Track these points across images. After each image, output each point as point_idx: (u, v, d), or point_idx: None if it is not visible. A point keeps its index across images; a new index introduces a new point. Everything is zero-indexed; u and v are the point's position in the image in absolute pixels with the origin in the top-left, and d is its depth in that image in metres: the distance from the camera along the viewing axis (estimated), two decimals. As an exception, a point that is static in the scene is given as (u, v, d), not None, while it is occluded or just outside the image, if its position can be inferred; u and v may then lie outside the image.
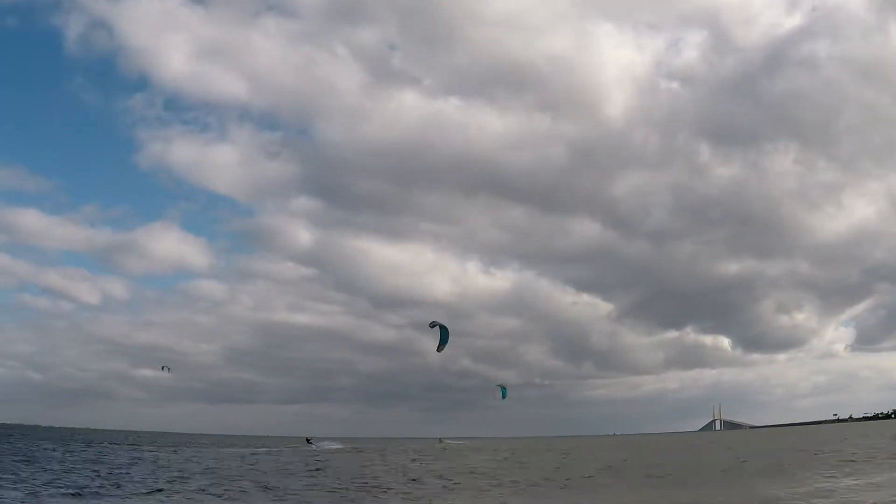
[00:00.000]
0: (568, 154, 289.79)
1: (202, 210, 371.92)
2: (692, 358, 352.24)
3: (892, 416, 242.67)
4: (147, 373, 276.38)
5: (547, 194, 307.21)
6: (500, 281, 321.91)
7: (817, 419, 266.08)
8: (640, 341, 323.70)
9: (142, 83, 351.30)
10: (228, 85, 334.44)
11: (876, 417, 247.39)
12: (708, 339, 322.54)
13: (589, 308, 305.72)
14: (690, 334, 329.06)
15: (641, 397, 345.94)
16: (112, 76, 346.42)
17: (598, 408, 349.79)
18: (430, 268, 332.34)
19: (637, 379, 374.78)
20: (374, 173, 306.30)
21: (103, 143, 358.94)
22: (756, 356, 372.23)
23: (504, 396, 51.64)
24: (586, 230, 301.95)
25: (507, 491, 28.74)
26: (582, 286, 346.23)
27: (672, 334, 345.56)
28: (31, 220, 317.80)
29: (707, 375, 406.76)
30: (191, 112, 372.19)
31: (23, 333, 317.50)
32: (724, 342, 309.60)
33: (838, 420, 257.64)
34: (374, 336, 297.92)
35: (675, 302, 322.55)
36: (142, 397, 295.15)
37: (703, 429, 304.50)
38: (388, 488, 29.52)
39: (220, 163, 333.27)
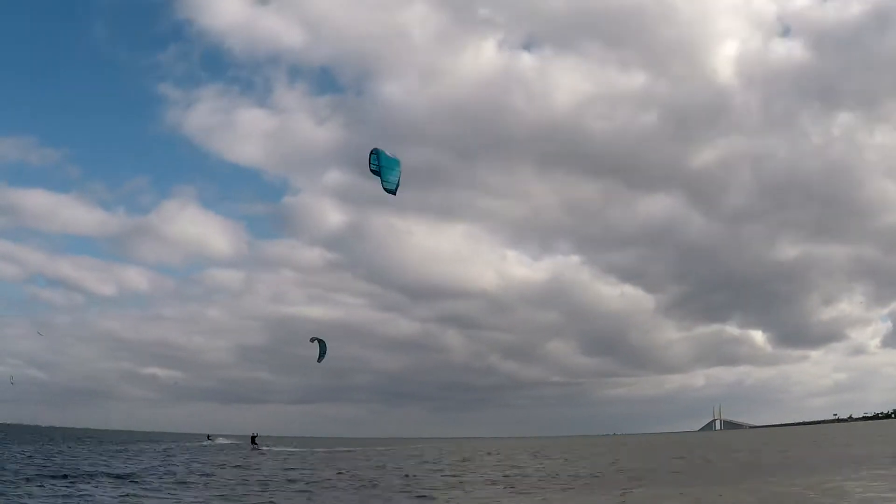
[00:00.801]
0: (659, 119, 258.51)
1: (227, 186, 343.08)
2: (724, 354, 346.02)
3: (893, 416, 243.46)
4: (156, 371, 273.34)
5: (626, 167, 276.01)
6: (542, 271, 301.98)
7: (817, 419, 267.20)
8: (674, 336, 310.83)
9: (176, 32, 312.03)
10: (281, 34, 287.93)
11: (876, 417, 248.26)
12: (745, 334, 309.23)
13: (630, 300, 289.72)
14: (729, 329, 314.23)
15: (657, 397, 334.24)
16: (141, 22, 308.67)
17: (608, 407, 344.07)
18: (474, 253, 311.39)
19: (661, 378, 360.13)
20: (434, 140, 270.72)
21: (122, 105, 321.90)
22: (790, 352, 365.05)
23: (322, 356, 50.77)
24: (656, 207, 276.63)
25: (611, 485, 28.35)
26: (627, 276, 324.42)
27: (711, 328, 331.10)
28: (36, 200, 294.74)
29: (731, 373, 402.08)
30: (232, 69, 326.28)
31: (24, 328, 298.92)
32: (760, 337, 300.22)
33: (838, 420, 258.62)
34: (398, 331, 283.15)
35: (723, 293, 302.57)
36: (149, 397, 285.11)
37: (702, 429, 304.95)
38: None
39: (256, 130, 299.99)
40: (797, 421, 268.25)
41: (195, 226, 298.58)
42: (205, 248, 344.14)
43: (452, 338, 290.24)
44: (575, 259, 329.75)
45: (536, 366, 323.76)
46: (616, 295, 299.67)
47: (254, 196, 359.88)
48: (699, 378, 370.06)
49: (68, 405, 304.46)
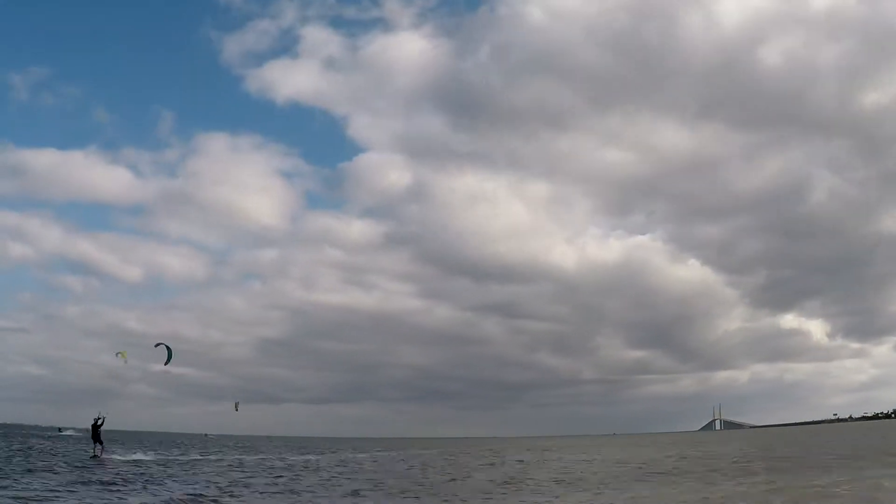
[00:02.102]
0: (853, 39, 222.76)
1: (275, 131, 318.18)
2: (785, 348, 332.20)
3: (893, 416, 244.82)
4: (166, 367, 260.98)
5: (789, 108, 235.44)
6: (616, 250, 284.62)
7: (816, 419, 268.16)
8: (731, 327, 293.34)
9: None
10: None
11: (876, 417, 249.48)
12: (806, 324, 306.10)
13: (702, 285, 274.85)
14: (795, 320, 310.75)
15: (691, 395, 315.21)
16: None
17: (630, 406, 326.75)
18: (549, 224, 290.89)
19: (704, 374, 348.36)
20: (565, 72, 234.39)
21: (156, 35, 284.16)
22: (856, 345, 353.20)
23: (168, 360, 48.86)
24: (794, 162, 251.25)
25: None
26: (709, 255, 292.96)
27: (781, 319, 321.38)
28: (46, 161, 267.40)
29: (775, 369, 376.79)
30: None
31: (26, 320, 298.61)
32: (824, 329, 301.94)
33: (838, 420, 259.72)
34: (436, 321, 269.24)
35: (810, 277, 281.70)
36: (159, 395, 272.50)
37: (702, 429, 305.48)
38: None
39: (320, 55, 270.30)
40: (797, 421, 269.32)
41: (236, 194, 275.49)
42: (241, 226, 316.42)
43: (494, 328, 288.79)
44: (658, 234, 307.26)
45: (579, 360, 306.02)
46: (689, 278, 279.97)
47: (308, 150, 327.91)
48: (742, 376, 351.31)
49: (71, 405, 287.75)
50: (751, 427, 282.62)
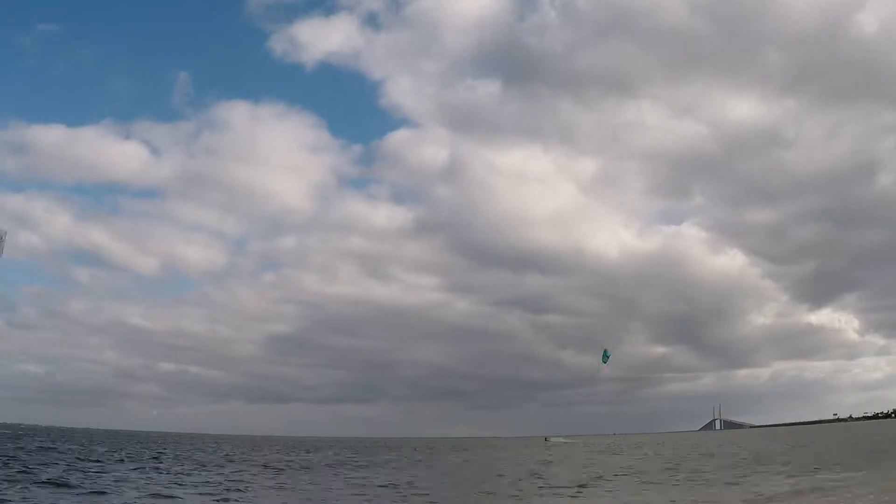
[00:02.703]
0: None
1: (311, 101, 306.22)
2: (811, 345, 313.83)
3: (893, 415, 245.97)
4: (169, 367, 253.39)
5: (877, 81, 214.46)
6: (655, 238, 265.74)
7: (816, 419, 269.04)
8: (768, 323, 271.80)
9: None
10: None
11: (876, 417, 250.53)
12: (843, 321, 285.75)
13: (741, 277, 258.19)
14: (829, 315, 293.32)
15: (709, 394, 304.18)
16: None
17: (642, 405, 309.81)
18: (591, 208, 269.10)
19: (725, 373, 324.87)
20: (644, 35, 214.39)
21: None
22: (882, 342, 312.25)
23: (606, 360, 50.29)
24: (866, 139, 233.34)
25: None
26: (754, 248, 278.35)
27: (817, 314, 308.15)
28: (53, 138, 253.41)
29: (794, 367, 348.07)
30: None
31: (29, 315, 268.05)
32: (856, 325, 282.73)
33: (838, 420, 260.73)
34: (458, 315, 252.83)
35: (857, 269, 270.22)
36: (163, 395, 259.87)
37: (702, 429, 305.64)
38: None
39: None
40: (797, 421, 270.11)
41: (264, 174, 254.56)
42: (263, 202, 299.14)
43: (518, 323, 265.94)
44: (705, 218, 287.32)
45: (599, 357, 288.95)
46: (728, 269, 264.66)
47: (337, 121, 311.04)
48: (762, 375, 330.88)
49: (75, 404, 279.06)
50: (751, 427, 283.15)
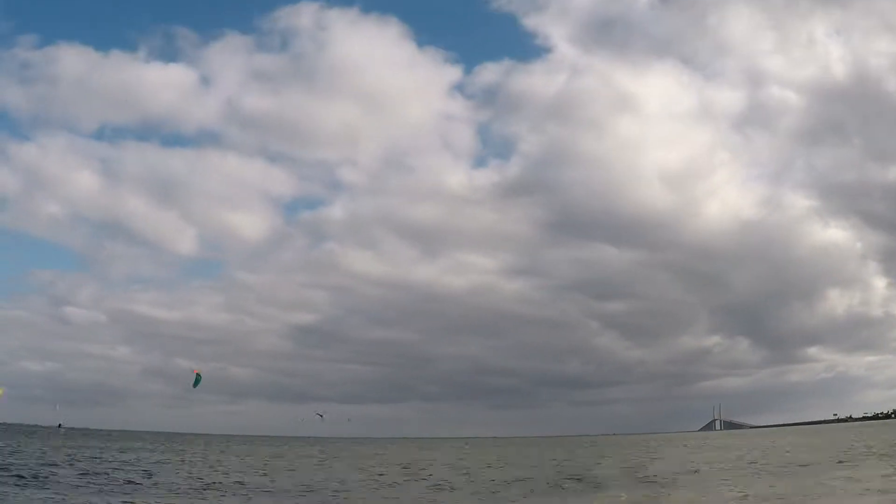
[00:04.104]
0: None
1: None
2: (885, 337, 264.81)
3: (893, 416, 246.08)
4: (182, 363, 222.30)
5: None
6: (777, 202, 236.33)
7: (817, 419, 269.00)
8: (852, 310, 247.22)
9: None
10: None
11: (876, 417, 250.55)
12: None
13: (840, 258, 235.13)
14: None
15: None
16: None
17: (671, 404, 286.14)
18: (737, 161, 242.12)
19: (780, 369, 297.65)
20: None
21: None
22: None
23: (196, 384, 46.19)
24: None
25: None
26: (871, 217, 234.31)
27: None
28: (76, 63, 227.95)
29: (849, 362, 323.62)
30: None
31: (37, 305, 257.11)
32: None
33: (838, 420, 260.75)
34: (508, 301, 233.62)
35: None
36: (176, 393, 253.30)
37: (702, 429, 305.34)
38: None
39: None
40: (797, 421, 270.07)
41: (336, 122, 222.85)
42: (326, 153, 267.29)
43: (572, 311, 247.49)
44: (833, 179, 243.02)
45: (653, 350, 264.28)
46: (836, 241, 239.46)
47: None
48: (814, 370, 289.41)
49: (79, 403, 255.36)
50: (751, 427, 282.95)
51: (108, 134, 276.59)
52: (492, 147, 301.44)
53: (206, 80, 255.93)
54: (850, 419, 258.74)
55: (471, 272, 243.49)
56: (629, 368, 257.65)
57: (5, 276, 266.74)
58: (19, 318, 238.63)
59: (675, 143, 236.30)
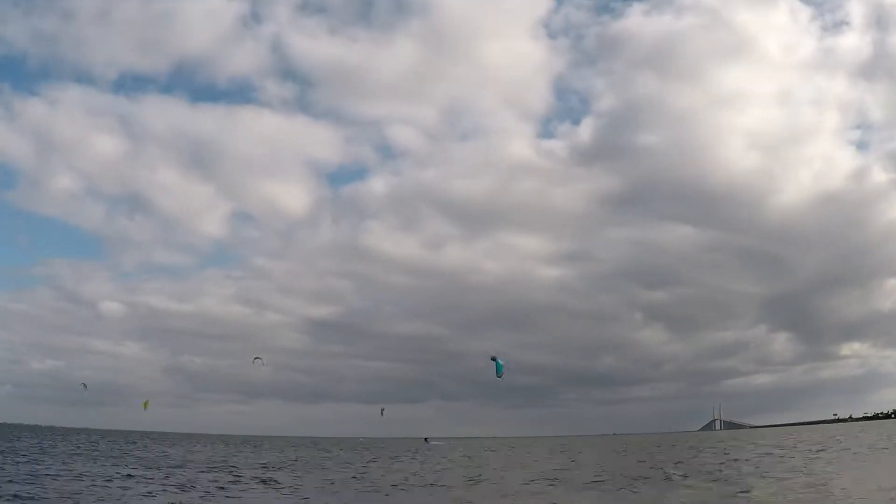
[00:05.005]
0: None
1: None
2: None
3: (893, 416, 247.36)
4: (196, 359, 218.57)
5: None
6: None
7: (817, 419, 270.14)
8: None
9: None
10: None
11: (876, 417, 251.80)
12: None
13: None
14: None
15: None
16: None
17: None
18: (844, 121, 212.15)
19: (815, 365, 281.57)
20: None
21: None
22: None
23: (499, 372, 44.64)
24: None
25: None
26: None
27: None
28: None
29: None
30: None
31: (42, 297, 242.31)
32: None
33: (838, 420, 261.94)
34: (547, 289, 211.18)
35: None
36: (185, 392, 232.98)
37: (702, 429, 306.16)
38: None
39: None
40: (797, 421, 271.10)
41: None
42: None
43: (615, 300, 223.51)
44: None
45: (691, 343, 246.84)
46: None
47: None
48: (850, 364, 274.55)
49: (82, 403, 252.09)
50: (751, 427, 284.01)
51: (129, 85, 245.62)
52: (565, 103, 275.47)
53: (255, 17, 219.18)
54: (850, 419, 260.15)
55: (510, 256, 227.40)
56: (659, 365, 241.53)
57: (13, 263, 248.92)
58: (27, 312, 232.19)
59: (780, 99, 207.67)
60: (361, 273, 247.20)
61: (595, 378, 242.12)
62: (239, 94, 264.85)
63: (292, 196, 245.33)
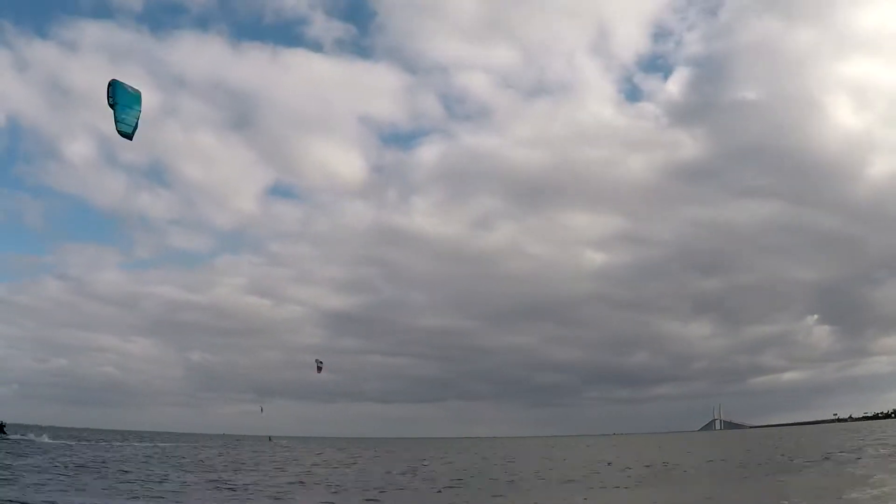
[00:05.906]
0: None
1: None
2: None
3: (893, 415, 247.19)
4: (204, 357, 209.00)
5: None
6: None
7: (817, 419, 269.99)
8: None
9: None
10: None
11: (876, 417, 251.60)
12: None
13: None
14: None
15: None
16: None
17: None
18: None
19: (848, 362, 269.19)
20: None
21: None
22: None
23: None
24: None
25: None
26: None
27: None
28: None
29: None
30: None
31: (47, 289, 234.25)
32: None
33: (838, 420, 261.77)
34: (586, 278, 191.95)
35: None
36: (191, 391, 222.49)
37: (702, 429, 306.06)
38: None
39: None
40: (797, 421, 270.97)
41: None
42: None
43: (659, 290, 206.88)
44: None
45: (726, 339, 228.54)
46: None
47: None
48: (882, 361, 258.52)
49: (85, 402, 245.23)
50: (751, 427, 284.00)
51: (156, 16, 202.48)
52: (656, 50, 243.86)
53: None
54: (850, 419, 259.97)
55: (556, 238, 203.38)
56: (688, 363, 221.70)
57: (23, 252, 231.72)
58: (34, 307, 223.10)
59: None
60: (391, 259, 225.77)
61: (622, 376, 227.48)
62: (288, 31, 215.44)
63: (343, 159, 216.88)
